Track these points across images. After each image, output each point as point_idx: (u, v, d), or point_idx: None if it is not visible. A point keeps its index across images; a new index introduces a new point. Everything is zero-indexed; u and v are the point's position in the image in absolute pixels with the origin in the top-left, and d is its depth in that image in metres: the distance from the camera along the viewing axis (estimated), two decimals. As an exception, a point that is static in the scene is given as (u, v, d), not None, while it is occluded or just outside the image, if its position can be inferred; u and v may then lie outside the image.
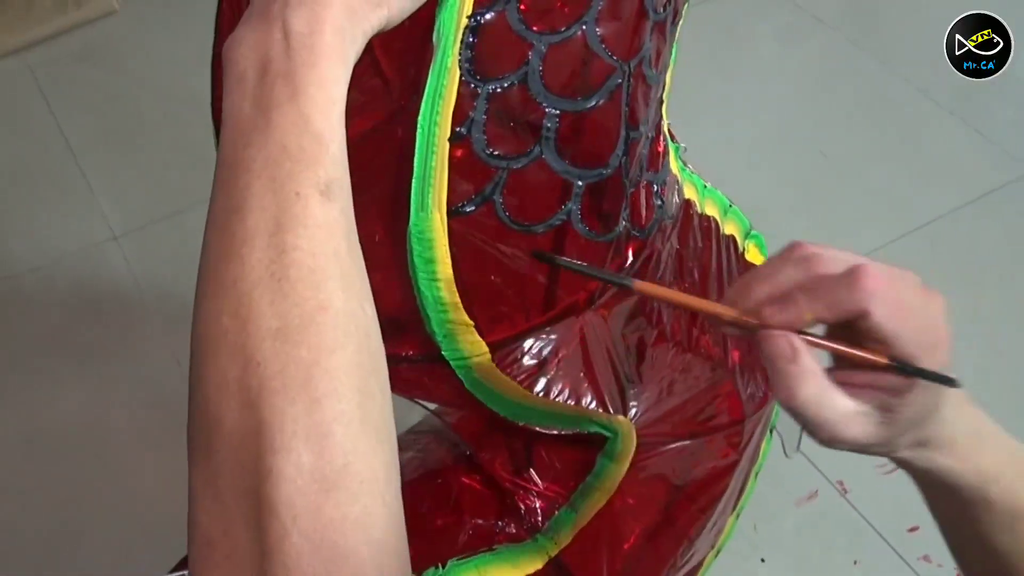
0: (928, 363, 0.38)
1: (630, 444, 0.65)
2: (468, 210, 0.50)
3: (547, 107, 0.49)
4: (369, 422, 0.33)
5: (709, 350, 0.71)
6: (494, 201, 0.51)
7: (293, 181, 0.34)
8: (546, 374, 0.60)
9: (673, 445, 0.69)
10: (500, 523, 0.67)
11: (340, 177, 0.35)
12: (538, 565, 0.64)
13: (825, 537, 1.22)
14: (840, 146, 1.69)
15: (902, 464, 0.43)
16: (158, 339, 1.42)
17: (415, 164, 0.47)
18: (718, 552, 0.80)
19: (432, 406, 0.72)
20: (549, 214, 0.52)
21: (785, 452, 0.84)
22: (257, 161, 0.34)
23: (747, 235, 0.78)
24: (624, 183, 0.55)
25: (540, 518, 0.67)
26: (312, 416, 0.31)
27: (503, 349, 0.56)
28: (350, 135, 0.37)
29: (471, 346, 0.54)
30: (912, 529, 1.16)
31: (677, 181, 0.67)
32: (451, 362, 0.54)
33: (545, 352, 0.59)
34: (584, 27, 0.48)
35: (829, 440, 0.39)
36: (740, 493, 0.78)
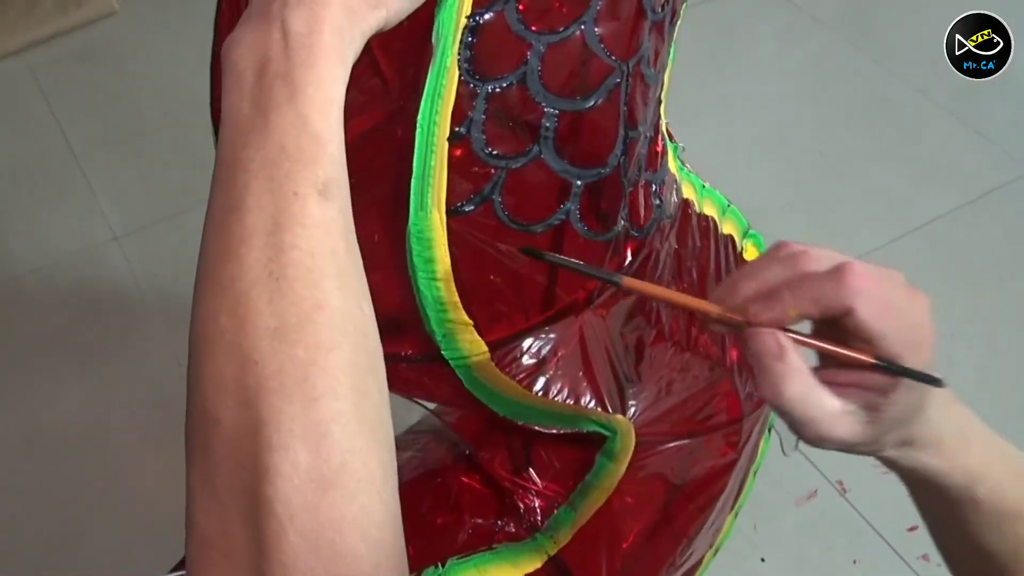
0: (912, 362, 0.38)
1: (629, 443, 0.65)
2: (467, 210, 0.50)
3: (546, 107, 0.49)
4: (366, 421, 0.33)
5: (707, 349, 0.71)
6: (493, 200, 0.51)
7: (291, 181, 0.34)
8: (545, 373, 0.60)
9: (672, 444, 0.69)
10: (499, 522, 0.67)
11: (338, 177, 0.35)
12: (537, 564, 0.64)
13: (825, 536, 1.22)
14: (839, 146, 1.69)
15: (889, 463, 0.43)
16: (159, 339, 1.42)
17: (414, 164, 0.48)
18: (716, 551, 0.80)
19: (431, 405, 0.73)
20: (548, 213, 0.53)
21: (783, 451, 0.84)
22: (255, 161, 0.34)
23: (745, 234, 0.78)
24: (622, 183, 0.55)
25: (539, 517, 0.67)
26: (309, 415, 0.31)
27: (502, 348, 0.56)
28: (349, 135, 0.38)
29: (470, 345, 0.54)
30: (911, 528, 1.16)
31: (675, 181, 0.67)
32: (450, 361, 0.54)
33: (544, 351, 0.59)
34: (583, 27, 0.48)
35: (815, 439, 0.39)
36: (739, 492, 0.78)
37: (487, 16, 0.46)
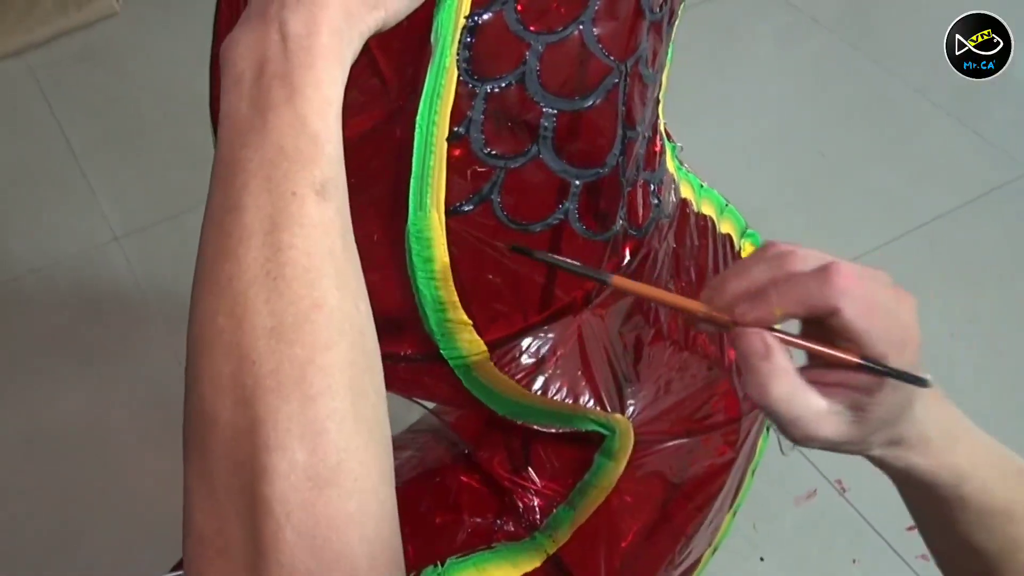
0: (898, 362, 0.38)
1: (628, 442, 0.65)
2: (466, 209, 0.50)
3: (544, 107, 0.49)
4: (363, 420, 0.33)
5: (706, 349, 0.71)
6: (492, 200, 0.51)
7: (289, 181, 0.34)
8: (544, 372, 0.60)
9: (670, 443, 0.69)
10: (499, 521, 0.67)
11: (336, 177, 0.36)
12: (536, 563, 0.64)
13: (824, 536, 1.22)
14: (839, 146, 1.69)
15: (877, 463, 0.43)
16: (159, 339, 1.42)
17: (413, 163, 0.48)
18: (715, 550, 0.80)
19: (431, 405, 0.73)
20: (546, 213, 0.53)
21: (782, 450, 0.84)
22: (254, 161, 0.34)
23: (743, 234, 0.78)
24: (621, 182, 0.55)
25: (538, 516, 0.67)
26: (306, 414, 0.31)
27: (501, 348, 0.56)
28: (349, 135, 0.38)
29: (469, 345, 0.54)
30: (911, 528, 1.16)
31: (674, 180, 0.67)
32: (449, 361, 0.54)
33: (543, 351, 0.59)
34: (581, 27, 0.49)
35: (802, 438, 0.39)
36: (737, 491, 0.78)
37: (486, 16, 0.47)
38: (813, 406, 0.38)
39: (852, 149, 1.69)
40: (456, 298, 0.52)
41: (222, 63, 0.37)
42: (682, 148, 0.71)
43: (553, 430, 0.64)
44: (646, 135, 0.58)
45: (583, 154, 0.52)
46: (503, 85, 0.48)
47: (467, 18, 0.46)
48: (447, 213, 0.49)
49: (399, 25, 0.41)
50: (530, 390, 0.60)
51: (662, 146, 0.63)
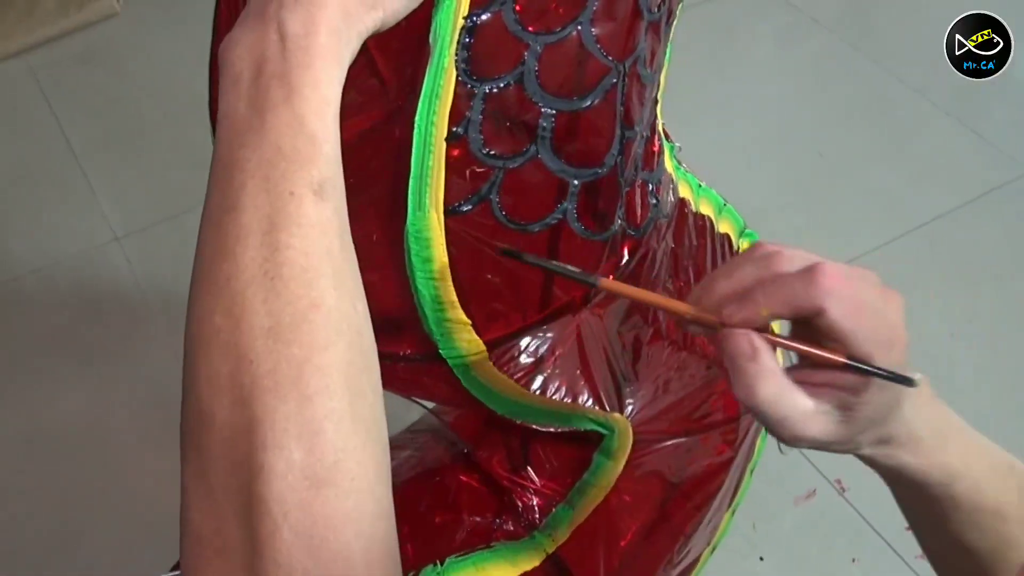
0: (885, 362, 0.38)
1: (626, 441, 0.65)
2: (465, 209, 0.50)
3: (543, 107, 0.50)
4: (360, 419, 0.33)
5: (704, 348, 0.72)
6: (490, 200, 0.51)
7: (287, 181, 0.34)
8: (543, 372, 0.60)
9: (669, 442, 0.69)
10: (498, 520, 0.67)
11: (333, 177, 0.36)
12: (535, 562, 0.64)
13: (824, 535, 1.22)
14: (838, 146, 1.69)
15: (868, 462, 0.43)
16: (159, 340, 1.42)
17: (412, 164, 0.48)
18: (714, 549, 0.80)
19: (430, 405, 0.73)
20: (545, 213, 0.53)
21: (780, 449, 0.84)
22: (252, 161, 0.34)
23: (741, 233, 0.78)
24: (619, 182, 0.55)
25: (537, 515, 0.67)
26: (303, 413, 0.31)
27: (500, 347, 0.57)
28: (348, 135, 0.38)
29: (468, 344, 0.54)
30: (910, 527, 1.16)
31: (672, 180, 0.67)
32: (448, 360, 0.54)
33: (542, 350, 0.60)
34: (579, 27, 0.49)
35: (790, 438, 0.39)
36: (736, 490, 0.78)
37: (484, 17, 0.47)
38: (800, 406, 0.38)
39: (852, 149, 1.69)
40: (455, 298, 0.52)
41: (220, 63, 0.37)
42: (680, 148, 0.71)
43: (552, 429, 0.64)
44: (644, 135, 0.58)
45: (581, 154, 0.52)
46: (501, 85, 0.48)
47: (466, 18, 0.46)
48: (446, 213, 0.49)
49: (398, 25, 0.41)
50: (529, 389, 0.60)
51: (660, 146, 0.63)
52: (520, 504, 0.68)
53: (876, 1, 1.99)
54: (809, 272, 0.38)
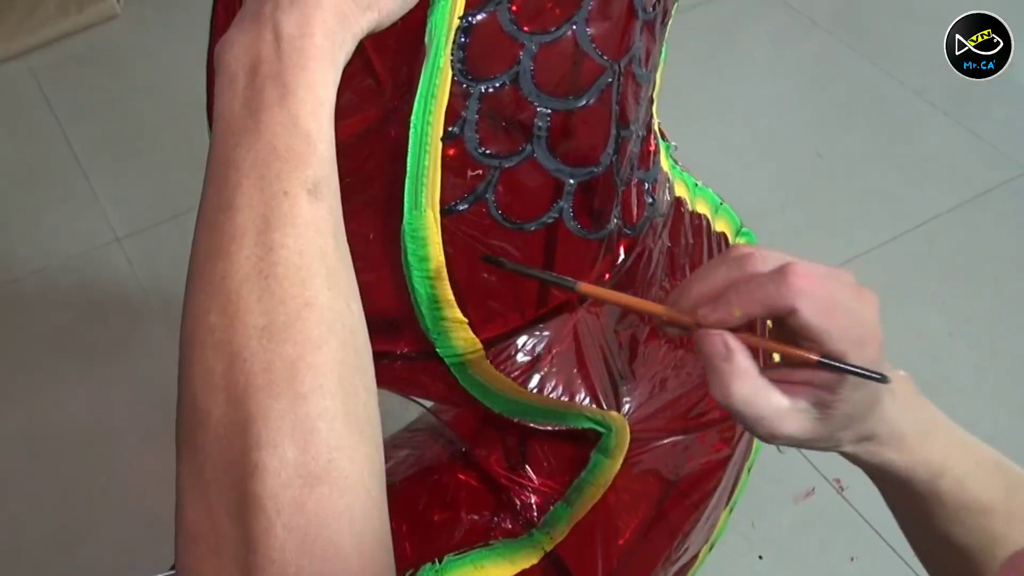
0: (858, 359, 0.38)
1: (624, 440, 0.65)
2: (461, 208, 0.50)
3: (538, 106, 0.50)
4: (354, 418, 0.33)
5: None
6: (486, 199, 0.51)
7: (281, 180, 0.34)
8: (540, 370, 0.60)
9: (666, 440, 0.69)
10: (496, 519, 0.68)
11: (328, 176, 0.36)
12: (534, 560, 0.65)
13: (822, 534, 1.22)
14: (836, 147, 1.69)
15: (852, 459, 0.43)
16: (160, 340, 1.43)
17: (408, 163, 0.48)
18: (712, 547, 0.80)
19: (428, 404, 0.73)
20: (541, 212, 0.53)
21: (778, 448, 0.85)
22: (247, 161, 0.34)
23: (738, 232, 0.78)
24: (615, 181, 0.55)
25: (535, 513, 0.68)
26: (297, 411, 0.32)
27: (497, 346, 0.57)
28: (344, 135, 0.38)
29: (465, 343, 0.54)
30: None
31: (668, 179, 0.67)
32: (445, 359, 0.55)
33: (539, 349, 0.60)
34: (574, 27, 0.49)
35: (767, 436, 0.40)
36: (733, 488, 0.78)
37: (479, 17, 0.47)
38: (775, 404, 0.39)
39: (849, 149, 1.69)
40: (451, 296, 0.52)
41: (216, 64, 0.37)
42: (676, 147, 0.71)
43: (549, 428, 0.65)
44: (640, 134, 0.58)
45: (577, 153, 0.52)
46: (497, 85, 0.49)
47: (461, 19, 0.46)
48: (442, 212, 0.49)
49: (393, 26, 0.42)
50: (526, 388, 0.60)
51: (656, 145, 0.63)
52: (518, 502, 0.68)
53: (873, 2, 1.99)
54: (781, 272, 0.38)
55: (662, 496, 0.70)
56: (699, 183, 0.74)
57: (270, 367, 0.32)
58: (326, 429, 0.32)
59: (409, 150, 0.48)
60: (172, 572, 0.70)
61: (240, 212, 0.34)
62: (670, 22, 0.59)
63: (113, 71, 1.87)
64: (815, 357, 0.38)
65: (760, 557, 1.21)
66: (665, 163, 0.67)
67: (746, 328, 0.40)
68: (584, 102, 0.51)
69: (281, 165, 0.34)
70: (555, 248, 0.54)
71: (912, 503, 0.44)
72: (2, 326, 1.48)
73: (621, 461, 0.66)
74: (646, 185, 0.61)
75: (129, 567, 1.19)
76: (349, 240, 0.37)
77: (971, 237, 1.54)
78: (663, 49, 0.61)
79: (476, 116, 0.49)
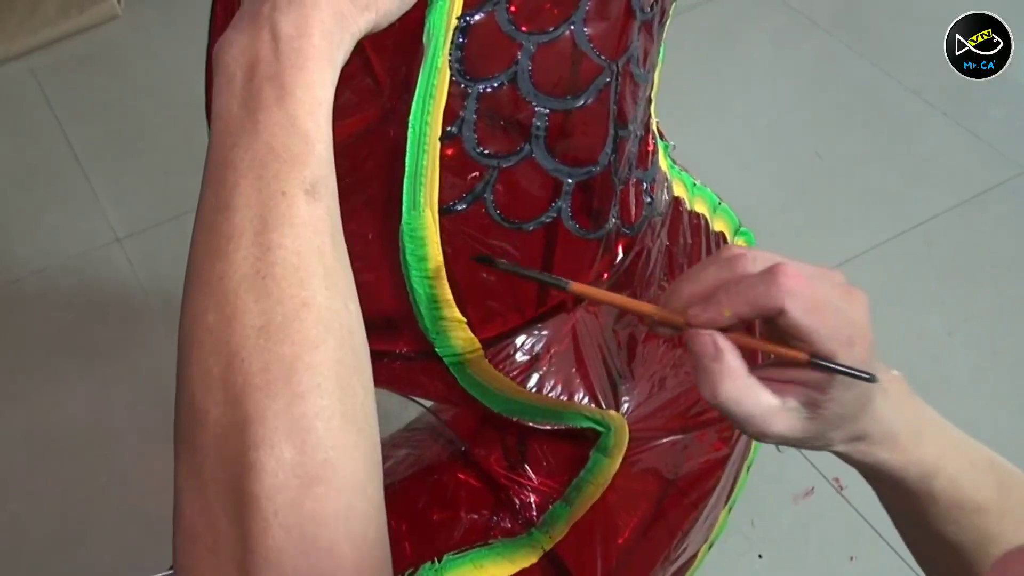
0: (847, 359, 0.38)
1: (623, 439, 0.66)
2: (459, 208, 0.51)
3: (536, 106, 0.50)
4: (351, 418, 0.33)
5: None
6: (485, 199, 0.51)
7: (279, 181, 0.34)
8: (539, 370, 0.60)
9: (665, 439, 0.69)
10: (495, 518, 0.68)
11: (326, 176, 0.36)
12: (533, 559, 0.65)
13: (822, 533, 1.23)
14: (835, 147, 1.69)
15: (845, 459, 0.44)
16: (161, 340, 1.43)
17: (407, 163, 0.48)
18: (711, 545, 0.81)
19: (428, 403, 0.73)
20: (540, 212, 0.53)
21: (778, 447, 0.85)
22: (244, 161, 0.34)
23: (736, 231, 0.78)
24: (613, 181, 0.55)
25: (535, 512, 0.68)
26: (293, 411, 0.32)
27: (495, 345, 0.57)
28: (343, 135, 0.38)
29: (463, 342, 0.54)
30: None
31: (666, 179, 0.67)
32: (444, 358, 0.55)
33: (537, 348, 0.60)
34: (572, 27, 0.49)
35: (757, 435, 0.40)
36: (732, 487, 0.78)
37: (478, 17, 0.47)
38: (764, 403, 0.39)
39: (848, 149, 1.69)
40: (450, 296, 0.52)
41: (215, 64, 0.37)
42: (674, 147, 0.71)
43: (548, 427, 0.65)
44: (638, 134, 0.58)
45: (575, 153, 0.52)
46: (495, 85, 0.49)
47: (459, 19, 0.46)
48: (441, 212, 0.50)
49: (392, 26, 0.42)
50: (525, 387, 0.60)
51: (654, 145, 0.63)
52: (517, 501, 0.68)
53: (873, 2, 1.99)
54: (770, 272, 0.38)
55: (661, 495, 0.70)
56: (698, 183, 0.74)
57: (268, 367, 0.32)
58: (323, 429, 0.32)
59: (407, 150, 0.48)
60: (171, 572, 0.70)
61: (238, 212, 0.34)
62: (668, 22, 0.60)
63: (113, 72, 1.87)
64: (805, 357, 0.39)
65: (759, 556, 1.21)
66: (663, 163, 0.67)
67: (737, 328, 0.40)
68: (582, 102, 0.51)
69: (279, 165, 0.34)
70: (554, 248, 0.54)
71: (906, 502, 0.45)
72: (2, 326, 1.48)
73: (620, 460, 0.66)
74: (644, 185, 0.61)
75: (129, 567, 1.19)
76: (348, 240, 0.38)
77: (970, 237, 1.54)
78: (661, 49, 0.61)
79: (474, 116, 0.49)
